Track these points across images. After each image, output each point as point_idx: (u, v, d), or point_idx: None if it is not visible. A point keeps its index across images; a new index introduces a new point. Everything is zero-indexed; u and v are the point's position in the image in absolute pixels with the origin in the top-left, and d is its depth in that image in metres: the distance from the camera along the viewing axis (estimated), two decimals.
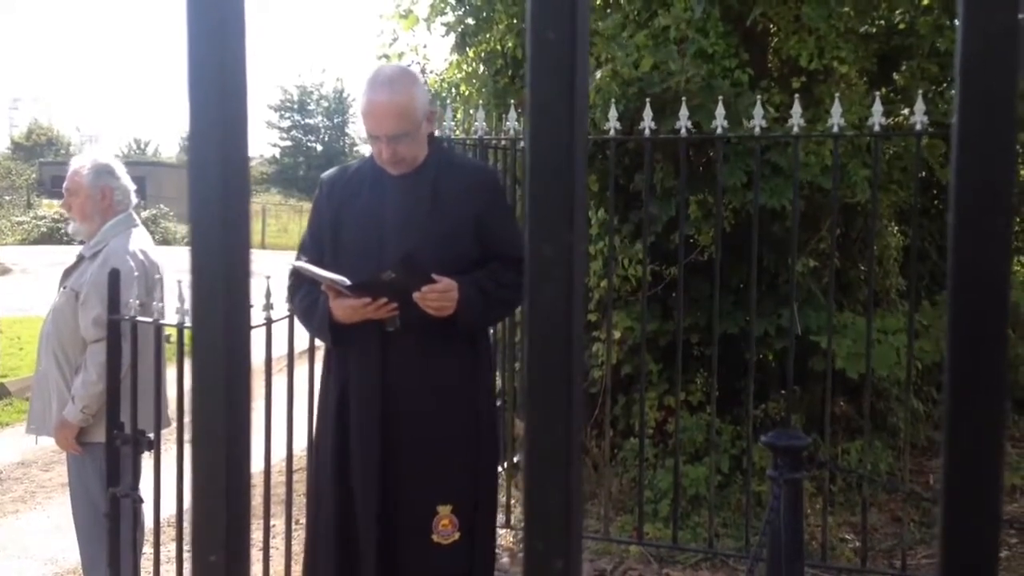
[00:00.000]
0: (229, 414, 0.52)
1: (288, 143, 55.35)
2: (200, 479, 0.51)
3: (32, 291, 14.97)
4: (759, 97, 4.76)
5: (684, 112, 4.63)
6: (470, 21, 6.85)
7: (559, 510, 0.43)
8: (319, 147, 55.19)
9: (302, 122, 55.33)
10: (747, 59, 5.58)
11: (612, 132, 4.82)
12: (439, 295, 2.97)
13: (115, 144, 63.04)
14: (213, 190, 0.54)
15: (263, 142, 55.60)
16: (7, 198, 35.48)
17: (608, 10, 6.07)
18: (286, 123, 55.35)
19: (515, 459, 5.56)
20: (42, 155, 47.29)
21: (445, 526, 3.06)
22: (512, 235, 3.13)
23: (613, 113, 4.82)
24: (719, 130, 4.57)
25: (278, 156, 55.55)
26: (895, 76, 6.23)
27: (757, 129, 4.54)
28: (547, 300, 0.43)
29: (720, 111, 4.58)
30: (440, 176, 3.12)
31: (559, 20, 0.44)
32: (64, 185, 4.20)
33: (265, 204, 39.23)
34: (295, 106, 55.32)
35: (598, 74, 5.47)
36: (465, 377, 3.12)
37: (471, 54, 6.98)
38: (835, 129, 4.45)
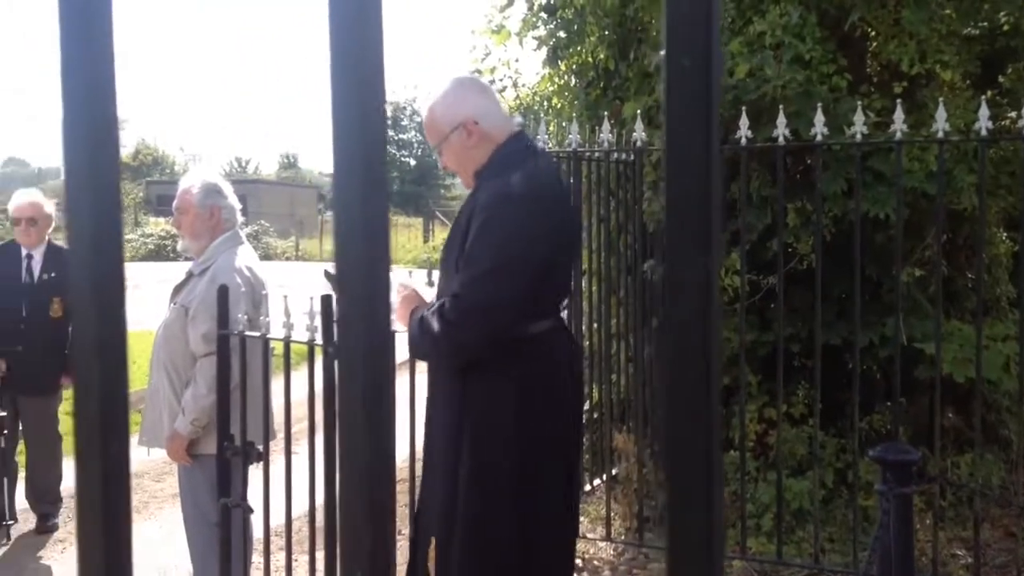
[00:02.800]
0: (373, 428, 0.55)
1: None
2: (347, 493, 0.54)
3: (141, 306, 15.47)
4: (859, 102, 4.67)
5: (781, 119, 4.57)
6: (562, 34, 6.88)
7: (700, 535, 0.43)
8: (412, 162, 55.99)
9: (395, 137, 56.20)
10: (845, 64, 5.48)
11: None
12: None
13: (217, 163, 64.94)
14: (355, 205, 0.56)
15: None
16: None
17: None
18: None
19: (613, 472, 5.54)
20: (148, 174, 48.95)
21: (431, 558, 3.02)
22: (466, 266, 2.88)
23: None
24: (818, 137, 4.50)
25: None
26: (1000, 79, 6.04)
27: (858, 135, 4.45)
28: (685, 321, 0.44)
29: (819, 117, 4.50)
30: (474, 194, 3.05)
31: (694, 47, 0.45)
32: (174, 204, 4.35)
33: None
34: (388, 122, 56.16)
35: None
36: (454, 411, 2.98)
37: (563, 67, 7.01)
38: (940, 134, 4.33)
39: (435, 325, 2.89)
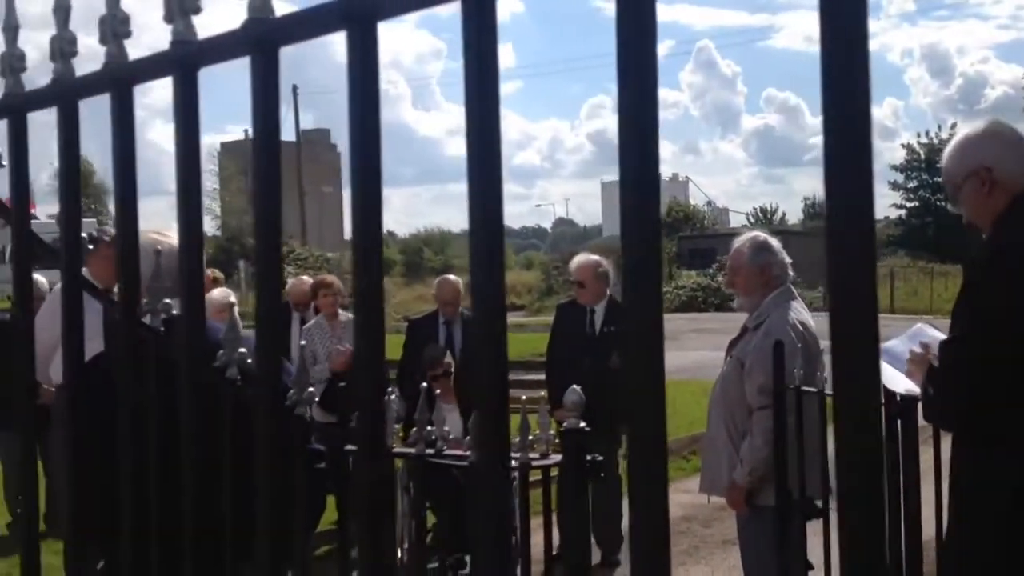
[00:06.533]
0: None
1: (915, 203, 53.33)
2: None
3: (679, 355, 16.22)
4: None
5: None
6: None
7: None
8: (949, 206, 52.31)
9: (930, 181, 52.99)
10: None
11: None
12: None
13: (743, 214, 66.30)
14: None
15: (887, 204, 54.29)
16: None
17: None
18: (912, 183, 53.47)
19: None
20: (680, 230, 51.38)
21: None
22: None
23: None
24: None
25: (904, 217, 53.80)
26: None
27: None
28: None
29: None
30: (991, 243, 2.87)
31: None
32: (728, 264, 4.56)
33: (892, 267, 38.11)
34: (922, 165, 53.25)
35: None
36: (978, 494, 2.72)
37: None
38: None
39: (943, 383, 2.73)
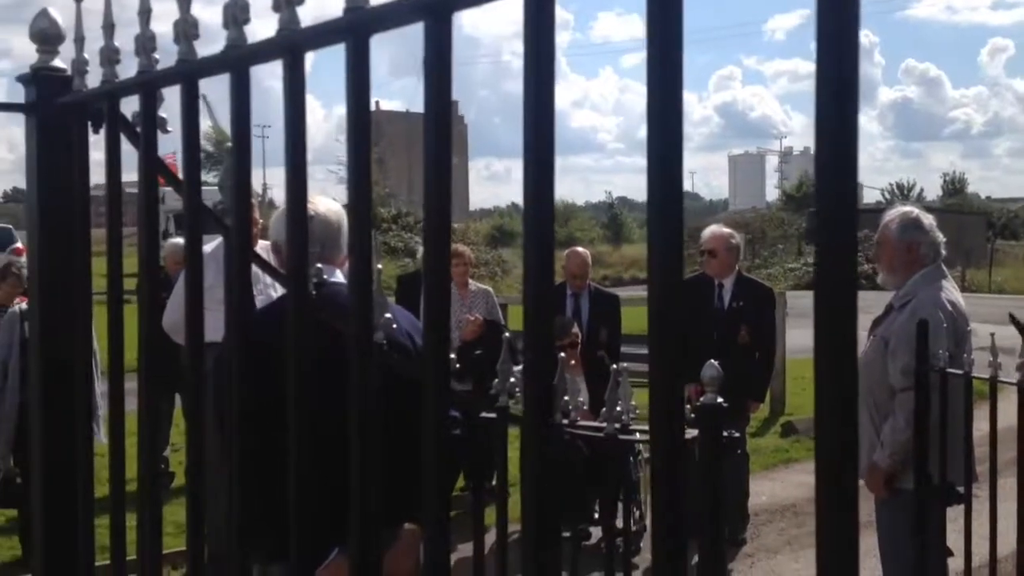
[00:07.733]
0: None
1: None
2: None
3: (809, 333, 15.80)
4: None
5: None
6: None
7: None
8: None
9: None
10: None
11: None
12: None
13: (876, 191, 64.11)
14: None
15: None
16: (780, 247, 38.45)
17: None
18: None
19: None
20: (810, 205, 50.10)
21: None
22: None
23: None
24: None
25: None
26: None
27: None
28: None
29: None
30: None
31: None
32: (875, 237, 4.40)
33: None
34: None
35: None
36: None
37: None
38: None
39: None
